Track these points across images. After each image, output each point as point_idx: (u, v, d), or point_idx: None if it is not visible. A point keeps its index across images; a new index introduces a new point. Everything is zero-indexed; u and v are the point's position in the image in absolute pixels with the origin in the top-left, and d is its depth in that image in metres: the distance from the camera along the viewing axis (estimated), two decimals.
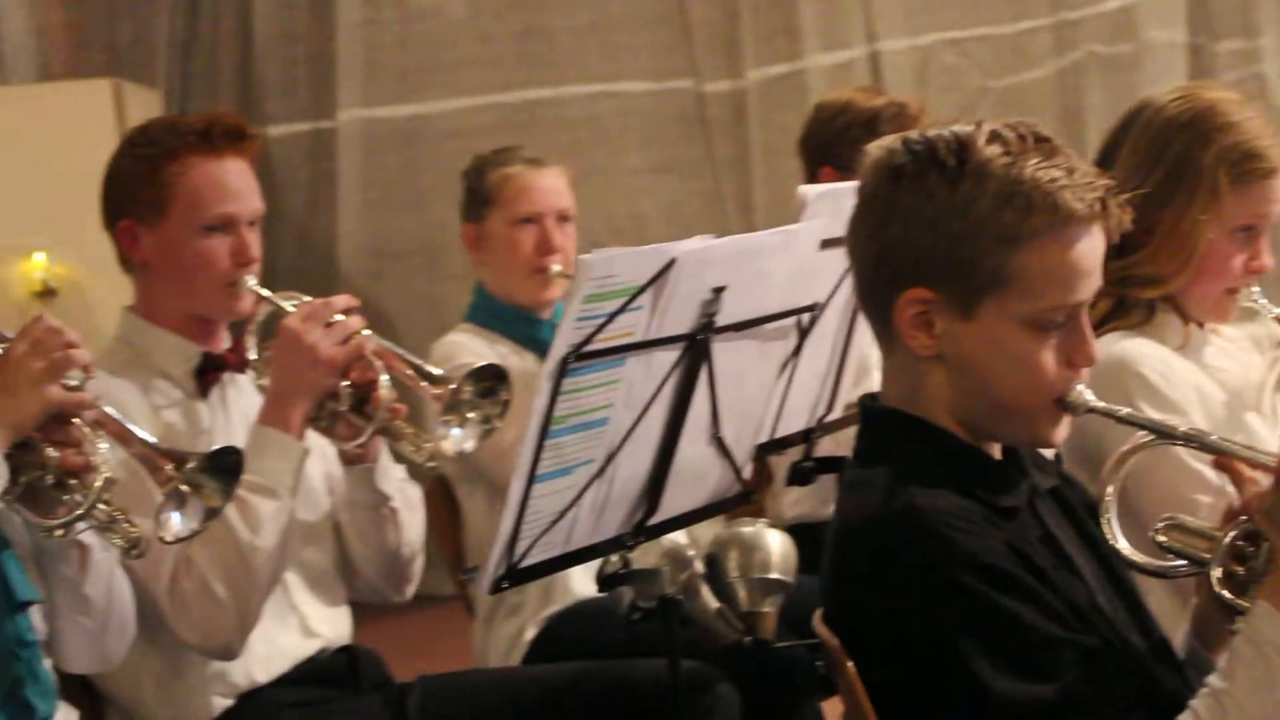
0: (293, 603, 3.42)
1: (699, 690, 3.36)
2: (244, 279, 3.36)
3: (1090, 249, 2.27)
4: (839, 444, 3.25)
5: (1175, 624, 2.49)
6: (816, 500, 4.12)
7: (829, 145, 4.49)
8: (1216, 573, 2.31)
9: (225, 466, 2.79)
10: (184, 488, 2.76)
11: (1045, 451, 2.52)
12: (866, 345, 3.26)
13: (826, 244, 3.04)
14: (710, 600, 3.32)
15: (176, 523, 2.76)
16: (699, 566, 3.33)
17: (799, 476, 3.40)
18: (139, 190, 3.35)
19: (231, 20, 7.47)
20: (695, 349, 2.89)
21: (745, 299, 2.95)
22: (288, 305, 3.31)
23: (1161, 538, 2.39)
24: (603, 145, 7.47)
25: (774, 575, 3.36)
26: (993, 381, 2.29)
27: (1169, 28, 7.60)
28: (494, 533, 2.79)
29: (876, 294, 2.35)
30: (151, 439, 2.81)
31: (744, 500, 3.27)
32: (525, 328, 4.23)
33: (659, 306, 2.78)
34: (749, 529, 3.41)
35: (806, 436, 3.41)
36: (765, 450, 3.32)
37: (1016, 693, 2.15)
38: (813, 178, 4.52)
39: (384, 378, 3.23)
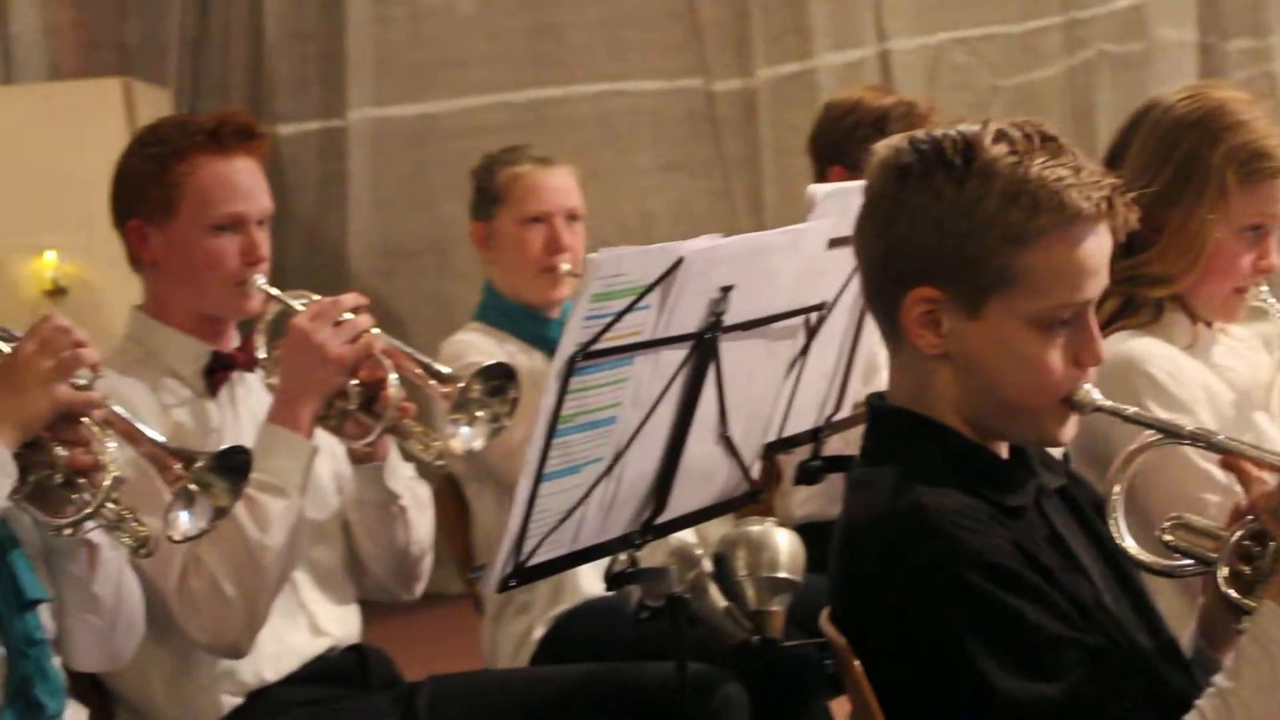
0: (302, 601, 3.42)
1: (707, 692, 3.36)
2: (253, 278, 3.36)
3: (1097, 248, 2.27)
4: (847, 443, 3.26)
5: (1183, 623, 2.49)
6: (825, 499, 4.12)
7: (838, 144, 4.49)
8: (1223, 572, 2.31)
9: (233, 466, 2.79)
10: (192, 487, 2.76)
11: (1053, 450, 2.52)
12: (875, 344, 3.26)
13: (834, 243, 3.04)
14: (718, 599, 3.32)
15: (185, 522, 2.76)
16: (707, 565, 3.33)
17: (807, 475, 3.40)
18: (148, 189, 3.35)
19: (242, 19, 7.48)
20: (703, 348, 2.89)
21: (753, 298, 2.95)
22: (297, 304, 3.31)
23: (1168, 537, 2.39)
24: (612, 144, 7.47)
25: (782, 574, 3.36)
26: (999, 380, 2.29)
27: (1179, 26, 7.59)
28: (503, 531, 2.79)
29: (883, 293, 2.35)
30: (160, 438, 2.81)
31: (752, 499, 3.27)
32: (534, 326, 4.24)
33: (667, 305, 2.78)
34: (757, 528, 3.40)
35: (814, 435, 3.42)
36: (773, 449, 3.32)
37: (1023, 692, 2.15)
38: (822, 177, 4.52)
39: (393, 376, 3.23)
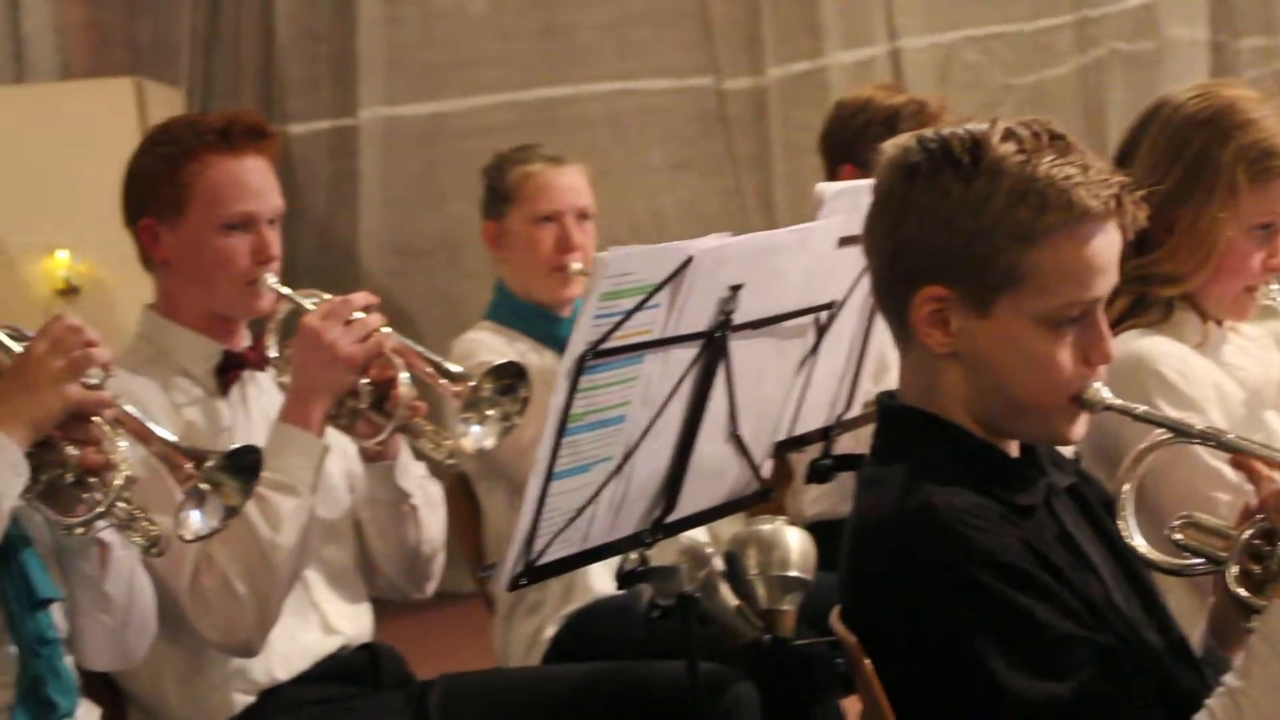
0: (313, 600, 3.43)
1: (718, 690, 3.36)
2: (264, 277, 3.36)
3: (1105, 246, 2.27)
4: (858, 441, 3.25)
5: (1193, 622, 2.48)
6: (837, 498, 4.12)
7: (849, 143, 4.49)
8: (1233, 571, 2.31)
9: (245, 465, 2.80)
10: (204, 486, 2.77)
11: (1064, 449, 2.52)
12: (885, 343, 3.26)
13: (844, 241, 3.04)
14: (729, 598, 3.32)
15: (196, 521, 2.77)
16: (718, 564, 3.33)
17: (817, 474, 3.40)
18: (159, 189, 3.36)
19: (253, 18, 7.49)
20: (713, 347, 2.90)
21: (763, 297, 2.95)
22: (307, 303, 3.32)
23: (1178, 536, 2.38)
24: (623, 143, 7.48)
25: (793, 573, 3.36)
26: (1009, 379, 2.29)
27: (1191, 25, 7.59)
28: (514, 530, 2.80)
29: (892, 292, 2.35)
30: (172, 437, 2.82)
31: (763, 498, 3.27)
32: (545, 325, 4.24)
33: (676, 304, 2.79)
34: (768, 527, 3.40)
35: (825, 434, 3.42)
36: (784, 448, 3.33)
37: (1033, 691, 2.15)
38: (833, 175, 4.53)
39: (404, 375, 3.24)
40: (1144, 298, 3.09)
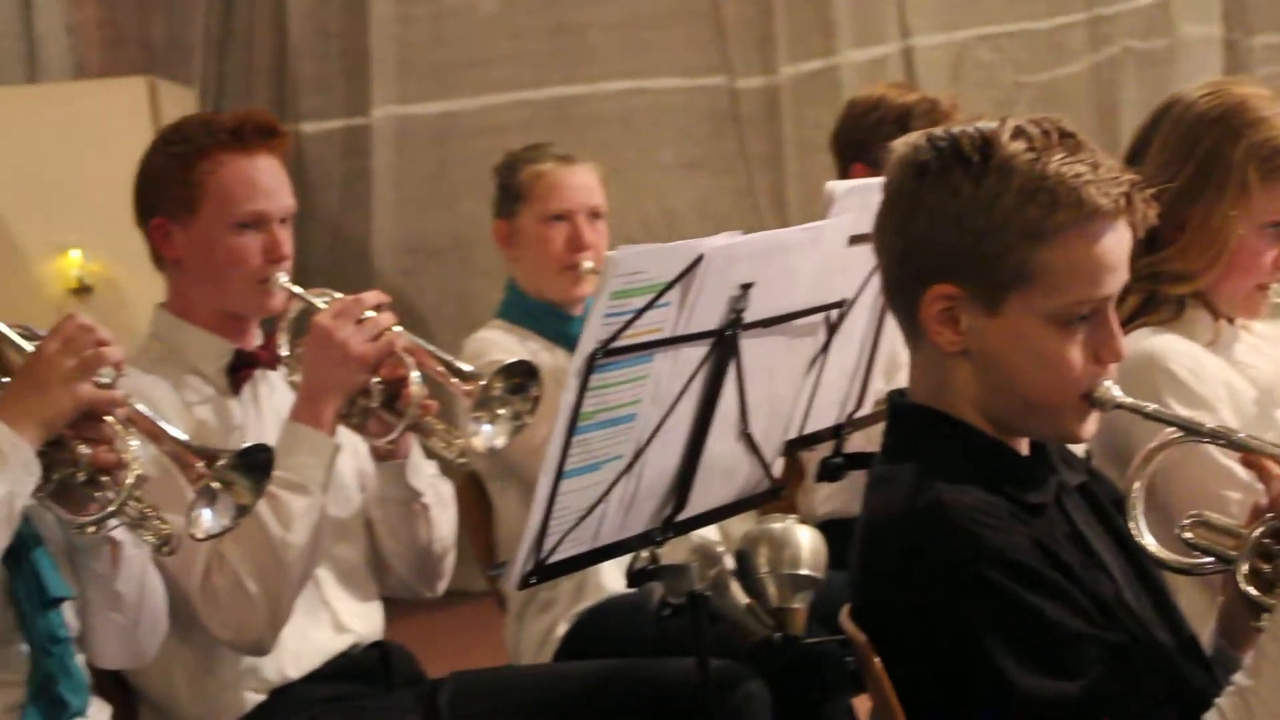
0: (324, 598, 3.43)
1: (729, 688, 3.36)
2: (276, 276, 3.36)
3: (1115, 244, 2.27)
4: (870, 440, 3.25)
5: (1204, 621, 2.48)
6: (848, 496, 4.11)
7: (861, 142, 4.50)
8: (1243, 570, 2.30)
9: (256, 464, 2.80)
10: (215, 485, 2.77)
11: (1075, 447, 2.52)
12: (896, 341, 3.26)
13: (855, 240, 3.04)
14: (740, 596, 3.32)
15: (208, 519, 2.77)
16: (729, 562, 3.33)
17: (828, 472, 3.41)
18: (171, 188, 3.36)
19: (266, 18, 7.49)
20: (723, 345, 2.90)
21: (773, 295, 2.95)
22: (319, 302, 3.32)
23: (1188, 534, 2.38)
24: (635, 142, 7.47)
25: (804, 571, 3.36)
26: (1019, 377, 2.29)
27: (1204, 22, 7.58)
28: (525, 528, 2.80)
29: (903, 290, 2.35)
30: (183, 436, 2.82)
31: (774, 496, 3.27)
32: (557, 324, 4.24)
33: (687, 302, 2.79)
34: (779, 525, 3.40)
35: (836, 433, 3.42)
36: (795, 446, 3.32)
37: (1042, 689, 2.15)
38: (845, 174, 4.53)
39: (415, 374, 3.24)
40: (1155, 296, 3.08)
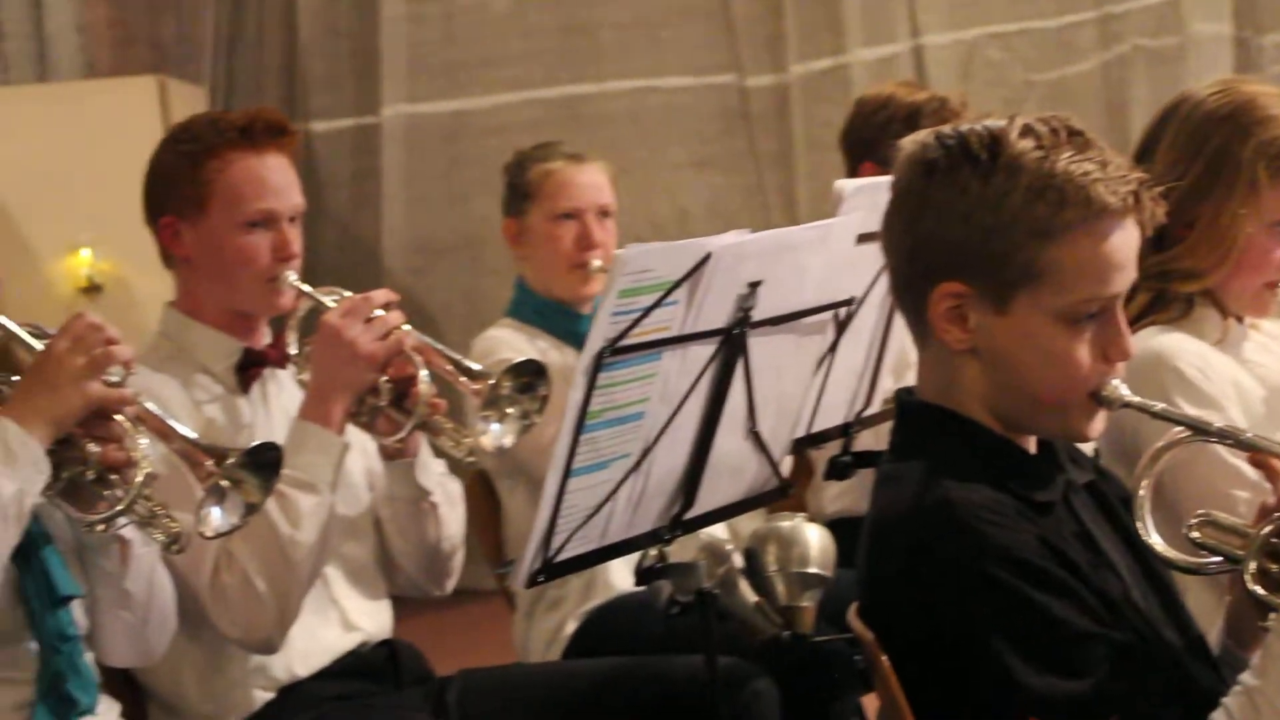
0: (333, 596, 3.43)
1: (737, 686, 3.36)
2: (285, 274, 3.37)
3: (1124, 242, 2.27)
4: (879, 438, 3.25)
5: (1212, 620, 2.48)
6: (858, 495, 4.11)
7: (870, 140, 4.49)
8: (1250, 569, 2.29)
9: (265, 462, 2.80)
10: (224, 483, 2.77)
11: (1083, 446, 2.52)
12: (905, 340, 3.26)
13: (863, 238, 3.04)
14: (748, 594, 3.32)
15: (217, 518, 2.77)
16: (737, 561, 3.33)
17: (837, 471, 3.41)
18: (180, 186, 3.36)
19: (276, 17, 7.50)
20: (731, 343, 2.89)
21: (781, 293, 2.95)
22: (328, 300, 3.32)
23: (1195, 534, 2.37)
24: (645, 141, 7.47)
25: (812, 570, 3.36)
26: (1027, 375, 2.29)
27: (1214, 21, 7.56)
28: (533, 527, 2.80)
29: (911, 288, 2.35)
30: (192, 434, 2.82)
31: (782, 494, 3.27)
32: (566, 322, 4.24)
33: (695, 301, 2.79)
34: (787, 523, 3.40)
35: (844, 431, 3.42)
36: (803, 444, 3.32)
37: (1049, 689, 2.15)
38: (854, 172, 4.53)
39: (423, 373, 3.24)
40: (1164, 294, 3.08)
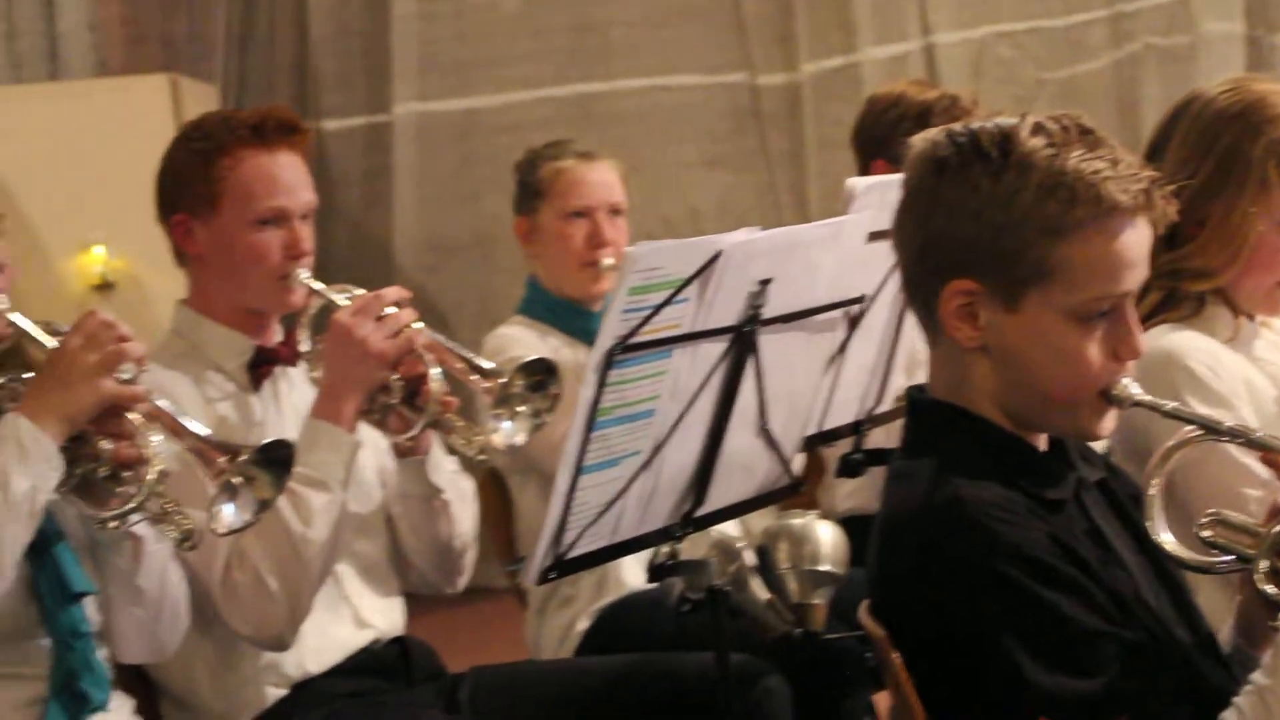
0: (345, 594, 3.44)
1: (749, 683, 3.36)
2: (296, 272, 3.37)
3: (1135, 240, 2.27)
4: (891, 436, 3.25)
5: (1223, 619, 2.47)
6: (870, 493, 4.11)
7: (881, 138, 4.49)
8: (1261, 568, 2.29)
9: (277, 459, 2.81)
10: (236, 480, 2.78)
11: (1095, 444, 2.51)
12: (917, 338, 3.26)
13: (874, 236, 3.04)
14: (760, 591, 3.32)
15: (229, 514, 2.78)
16: (749, 558, 3.33)
17: (848, 468, 3.41)
18: (192, 184, 3.37)
19: (287, 15, 7.50)
20: (742, 341, 2.90)
21: (792, 291, 2.95)
22: (340, 299, 3.33)
23: (1206, 533, 2.36)
24: (656, 139, 7.47)
25: (824, 567, 3.36)
26: (1037, 373, 2.29)
27: (1226, 19, 7.56)
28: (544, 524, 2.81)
29: (921, 286, 2.35)
30: (205, 431, 2.83)
31: (793, 491, 3.27)
32: (577, 320, 4.24)
33: (705, 298, 2.79)
34: (799, 521, 3.40)
35: (855, 428, 3.42)
36: (814, 442, 3.32)
37: (1059, 687, 2.15)
38: (865, 170, 4.53)
39: (435, 371, 3.24)
40: (1175, 293, 3.08)
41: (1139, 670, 2.19)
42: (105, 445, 2.80)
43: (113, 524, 2.80)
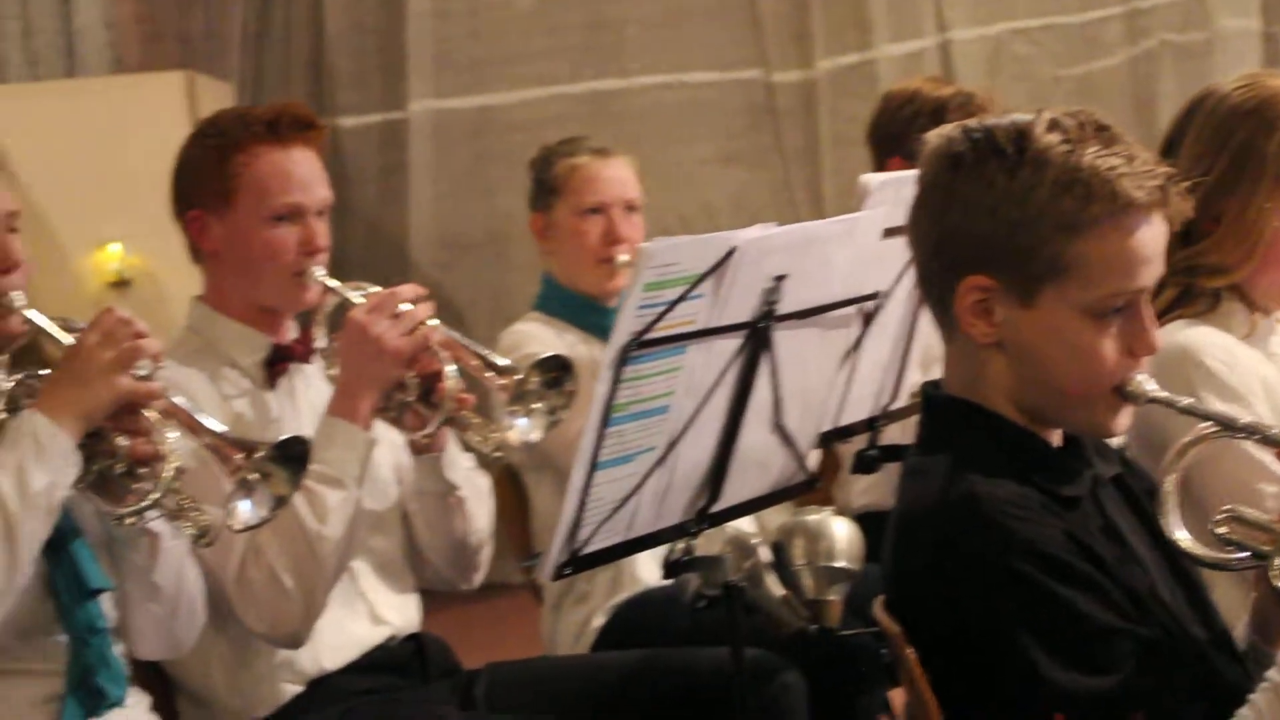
0: (361, 590, 3.44)
1: (765, 678, 3.36)
2: (312, 269, 3.37)
3: (1150, 236, 2.26)
4: (907, 432, 3.25)
5: (1239, 615, 2.47)
6: (886, 489, 4.10)
7: (897, 135, 4.49)
8: (1276, 564, 2.28)
9: (293, 455, 2.81)
10: (253, 476, 2.78)
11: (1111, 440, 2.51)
12: (932, 334, 3.25)
13: (889, 232, 3.04)
14: (775, 588, 3.32)
15: (246, 511, 2.79)
16: (764, 554, 3.33)
17: (863, 465, 3.41)
18: (207, 180, 3.37)
19: (303, 13, 7.51)
20: (756, 337, 2.90)
21: (807, 287, 2.95)
22: (355, 296, 3.33)
23: (1221, 529, 2.35)
24: (671, 136, 7.47)
25: (839, 563, 3.35)
26: (1052, 370, 2.29)
27: (1242, 15, 7.55)
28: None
29: (936, 282, 2.35)
30: (221, 428, 2.83)
31: (809, 488, 3.27)
32: (593, 316, 4.24)
33: (720, 295, 2.79)
34: (814, 517, 3.40)
35: (871, 425, 3.42)
36: (829, 438, 3.32)
37: (1074, 684, 2.15)
38: (881, 167, 4.53)
39: (450, 368, 3.24)
40: (1191, 289, 3.07)
41: (1154, 667, 2.18)
42: (122, 442, 2.80)
43: (129, 520, 2.81)
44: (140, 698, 3.03)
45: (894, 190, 3.01)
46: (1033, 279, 2.26)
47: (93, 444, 2.79)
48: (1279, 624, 2.34)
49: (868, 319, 3.19)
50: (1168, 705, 2.19)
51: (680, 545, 2.96)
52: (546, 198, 4.30)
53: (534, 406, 3.25)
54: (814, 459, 3.24)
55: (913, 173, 2.39)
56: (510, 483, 4.22)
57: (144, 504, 2.79)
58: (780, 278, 2.87)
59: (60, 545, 2.83)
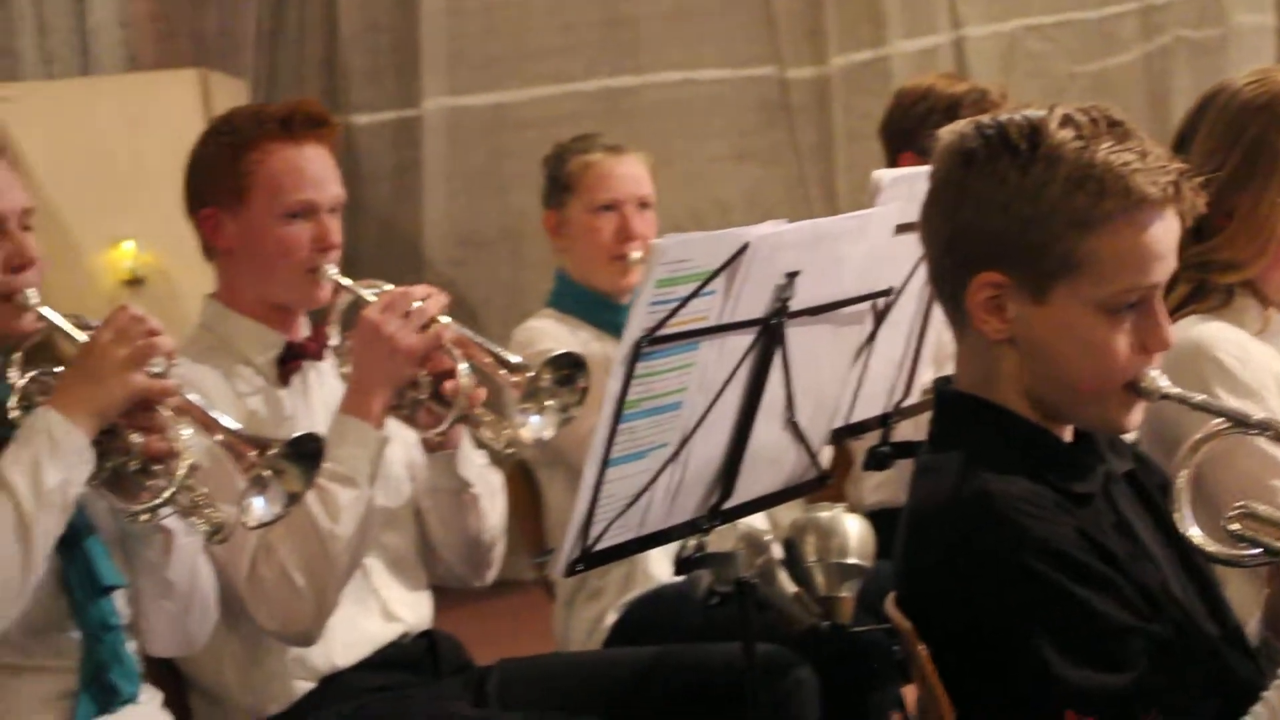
0: (373, 587, 3.44)
1: (778, 674, 3.36)
2: (324, 266, 3.37)
3: (1164, 232, 2.26)
4: (919, 429, 3.25)
5: (1252, 612, 2.46)
6: (898, 485, 4.11)
7: (910, 131, 4.49)
8: None
9: (307, 452, 2.82)
10: (266, 473, 2.79)
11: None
12: (945, 330, 3.25)
13: (901, 229, 3.04)
14: (787, 584, 3.32)
15: (260, 508, 2.79)
16: (776, 551, 3.33)
17: (876, 461, 3.41)
18: (221, 177, 3.37)
19: (317, 11, 7.53)
20: (769, 333, 2.89)
21: (820, 284, 2.95)
22: (368, 294, 3.33)
23: (1234, 525, 2.34)
24: (686, 133, 7.47)
25: (851, 560, 3.36)
26: (1065, 366, 2.29)
27: (1257, 11, 7.53)
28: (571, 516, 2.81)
29: (949, 278, 2.35)
30: (235, 425, 2.84)
31: (821, 484, 3.27)
32: (606, 313, 4.24)
33: (732, 291, 2.78)
34: (826, 514, 3.41)
35: (883, 421, 3.42)
36: (842, 435, 3.32)
37: (1086, 682, 2.14)
38: (894, 163, 4.53)
39: (463, 366, 3.25)
40: (1204, 285, 3.06)
41: (1167, 665, 2.18)
42: (136, 439, 2.81)
43: (143, 517, 2.82)
44: (153, 694, 3.04)
45: (906, 186, 3.01)
46: (1045, 275, 2.26)
47: (107, 441, 2.80)
48: None
49: (880, 315, 3.19)
50: (1180, 703, 2.18)
51: (693, 542, 2.96)
52: (560, 195, 4.30)
53: (547, 403, 3.24)
54: (826, 455, 3.24)
55: (925, 169, 2.39)
56: (523, 479, 4.23)
57: (158, 501, 2.79)
58: (793, 274, 2.87)
59: (74, 542, 2.84)
